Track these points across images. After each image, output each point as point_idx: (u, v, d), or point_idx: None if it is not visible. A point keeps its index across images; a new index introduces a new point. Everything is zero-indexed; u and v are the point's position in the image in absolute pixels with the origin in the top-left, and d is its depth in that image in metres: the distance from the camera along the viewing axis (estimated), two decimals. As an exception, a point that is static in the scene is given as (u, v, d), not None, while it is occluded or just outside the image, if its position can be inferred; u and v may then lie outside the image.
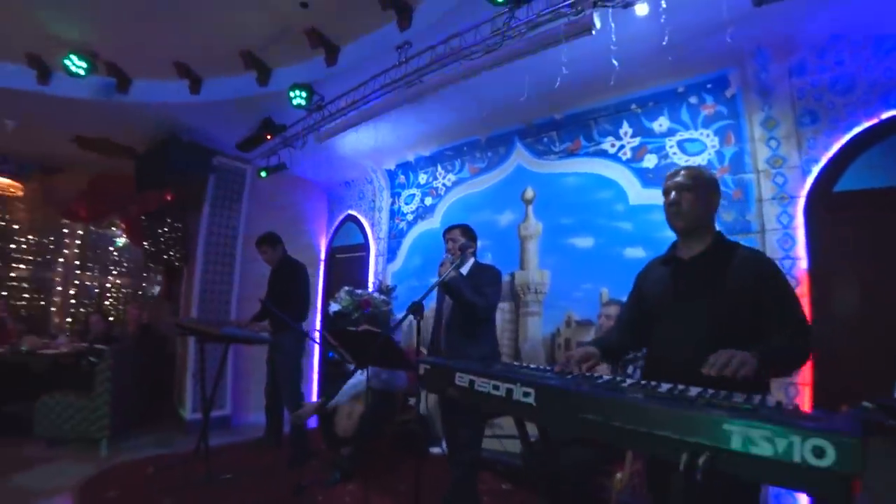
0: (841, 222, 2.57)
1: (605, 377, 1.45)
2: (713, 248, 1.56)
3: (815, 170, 2.67)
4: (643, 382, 1.34)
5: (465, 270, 2.55)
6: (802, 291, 2.64)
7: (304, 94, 3.55)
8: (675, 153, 3.20)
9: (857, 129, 2.53)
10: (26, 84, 3.76)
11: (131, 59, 3.79)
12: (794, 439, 0.77)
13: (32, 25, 3.27)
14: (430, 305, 2.88)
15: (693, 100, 3.14)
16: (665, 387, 1.27)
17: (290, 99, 3.59)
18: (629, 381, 1.38)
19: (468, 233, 2.66)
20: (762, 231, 2.81)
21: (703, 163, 3.06)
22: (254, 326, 3.61)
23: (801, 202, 2.70)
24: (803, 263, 2.66)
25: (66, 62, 3.40)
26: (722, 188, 2.93)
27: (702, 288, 1.51)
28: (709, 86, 3.05)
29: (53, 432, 3.66)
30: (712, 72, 2.99)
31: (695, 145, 3.13)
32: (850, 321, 2.48)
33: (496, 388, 1.26)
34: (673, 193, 1.58)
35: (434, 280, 2.25)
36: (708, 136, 3.08)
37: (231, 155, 4.86)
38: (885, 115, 2.44)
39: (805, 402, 2.55)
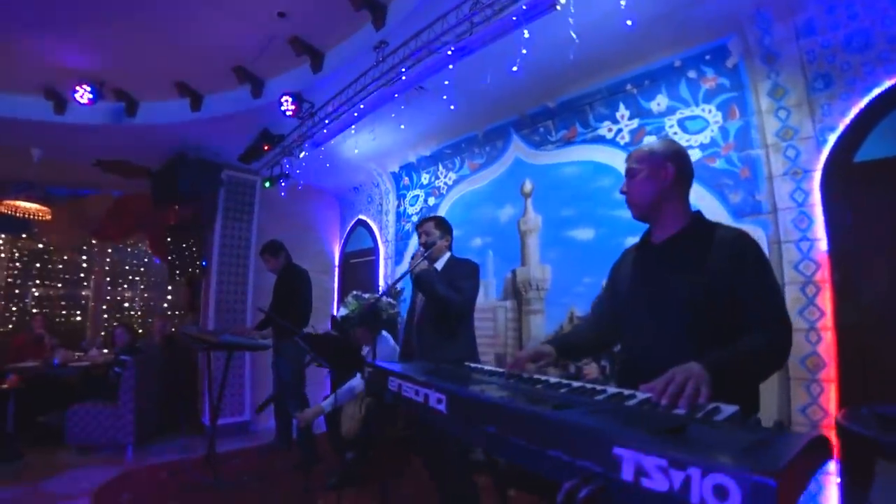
0: (864, 196, 2.27)
1: (553, 379, 1.33)
2: (686, 230, 1.39)
3: (832, 139, 2.37)
4: (589, 386, 1.20)
5: (440, 265, 2.45)
6: (823, 276, 2.36)
7: (291, 101, 3.59)
8: (675, 133, 2.96)
9: (877, 90, 2.21)
10: (45, 115, 4.02)
11: (136, 83, 3.98)
12: (693, 473, 0.58)
13: (44, 59, 3.49)
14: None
15: (692, 74, 2.89)
16: (609, 391, 1.14)
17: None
18: (575, 384, 1.25)
19: (442, 225, 2.53)
20: (774, 211, 2.53)
21: (706, 141, 2.81)
22: (253, 333, 3.68)
23: (818, 176, 2.40)
24: (823, 245, 2.37)
25: (75, 95, 3.62)
26: (727, 167, 2.77)
27: (673, 274, 1.34)
28: (707, 57, 2.78)
29: (83, 439, 3.89)
30: (710, 41, 2.73)
31: (696, 123, 2.88)
32: (878, 308, 2.18)
33: (417, 393, 1.17)
34: (624, 182, 1.44)
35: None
36: (710, 111, 2.82)
37: (239, 168, 5.00)
38: (909, 72, 2.13)
39: (831, 401, 2.27)
